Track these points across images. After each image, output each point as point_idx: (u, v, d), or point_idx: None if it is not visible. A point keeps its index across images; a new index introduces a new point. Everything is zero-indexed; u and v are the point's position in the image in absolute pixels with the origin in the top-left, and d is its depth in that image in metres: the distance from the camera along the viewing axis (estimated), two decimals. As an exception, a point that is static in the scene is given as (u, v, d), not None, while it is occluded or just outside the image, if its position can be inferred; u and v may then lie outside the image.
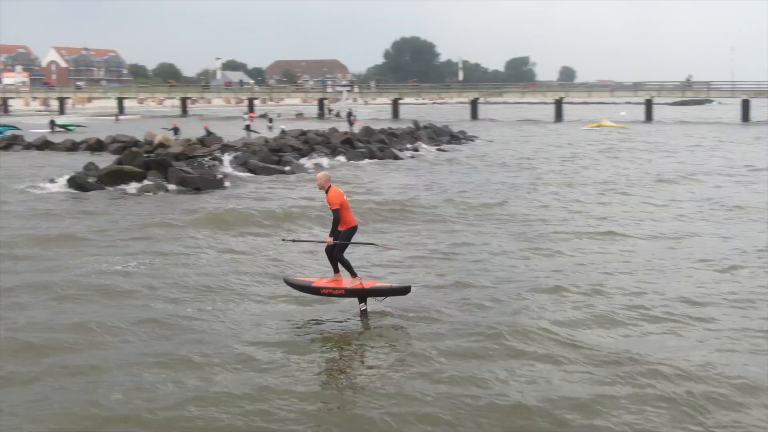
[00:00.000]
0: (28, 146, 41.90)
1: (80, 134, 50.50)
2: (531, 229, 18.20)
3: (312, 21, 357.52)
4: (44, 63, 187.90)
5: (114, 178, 25.16)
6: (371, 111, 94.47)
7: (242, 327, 10.91)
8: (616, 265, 14.50)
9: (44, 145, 41.64)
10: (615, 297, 12.37)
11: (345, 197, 11.05)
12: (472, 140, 49.38)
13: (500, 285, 13.10)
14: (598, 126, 64.54)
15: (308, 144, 34.73)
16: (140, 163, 26.28)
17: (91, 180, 25.19)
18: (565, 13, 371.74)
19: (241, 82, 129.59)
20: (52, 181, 25.79)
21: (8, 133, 49.51)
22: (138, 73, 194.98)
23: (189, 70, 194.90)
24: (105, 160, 29.53)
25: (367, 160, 34.42)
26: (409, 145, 39.96)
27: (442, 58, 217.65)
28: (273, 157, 30.76)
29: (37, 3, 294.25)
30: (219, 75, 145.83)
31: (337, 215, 10.86)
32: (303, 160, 31.39)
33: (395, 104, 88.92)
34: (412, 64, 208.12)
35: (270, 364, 9.52)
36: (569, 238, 17.12)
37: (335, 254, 11.10)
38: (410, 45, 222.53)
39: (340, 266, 11.19)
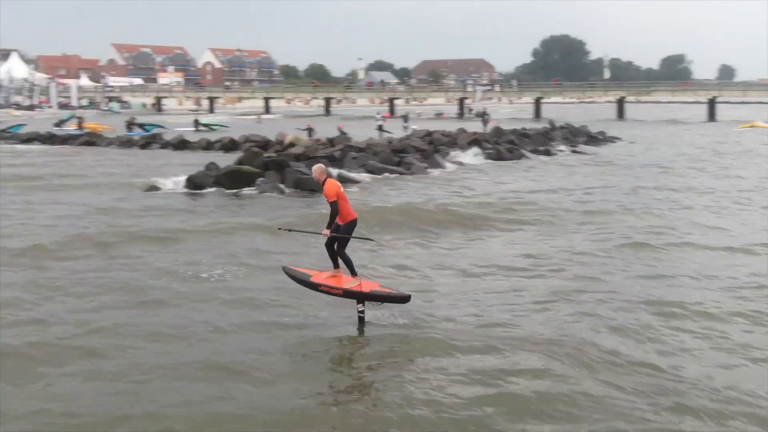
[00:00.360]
0: (166, 144, 43.04)
1: (223, 133, 51.40)
2: (654, 238, 16.69)
3: (460, 20, 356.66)
4: (200, 64, 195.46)
5: (232, 178, 25.14)
6: (512, 110, 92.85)
7: (307, 340, 10.37)
8: (742, 284, 13.01)
9: (181, 143, 42.65)
10: (733, 323, 11.00)
11: (341, 189, 10.69)
12: (613, 141, 47.15)
13: (599, 298, 12.00)
14: (750, 126, 60.71)
15: (433, 145, 33.90)
16: (260, 163, 26.23)
17: (210, 179, 25.32)
18: (727, 8, 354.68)
19: (383, 82, 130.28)
20: (172, 179, 26.13)
21: (155, 131, 51.10)
22: (289, 73, 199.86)
23: (338, 71, 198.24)
24: (232, 160, 29.64)
25: (493, 161, 33.31)
26: (541, 147, 38.47)
27: (593, 56, 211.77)
28: (394, 158, 30.13)
29: (194, 4, 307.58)
30: (362, 75, 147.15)
31: (335, 207, 10.47)
32: (424, 163, 30.55)
33: (537, 103, 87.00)
34: (560, 62, 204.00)
35: (325, 383, 8.94)
36: (692, 251, 15.57)
37: (337, 250, 10.75)
38: (559, 43, 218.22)
39: (340, 262, 10.83)
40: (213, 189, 24.73)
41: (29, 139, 47.32)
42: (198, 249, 15.78)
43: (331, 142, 34.93)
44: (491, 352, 9.72)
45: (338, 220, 10.64)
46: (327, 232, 10.60)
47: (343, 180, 25.57)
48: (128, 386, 8.82)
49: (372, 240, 11.82)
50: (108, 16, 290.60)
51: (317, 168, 10.94)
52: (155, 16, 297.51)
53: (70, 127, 53.84)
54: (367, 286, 10.66)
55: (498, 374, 9.02)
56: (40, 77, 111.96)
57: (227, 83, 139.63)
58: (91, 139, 45.98)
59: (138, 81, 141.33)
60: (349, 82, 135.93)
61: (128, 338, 10.44)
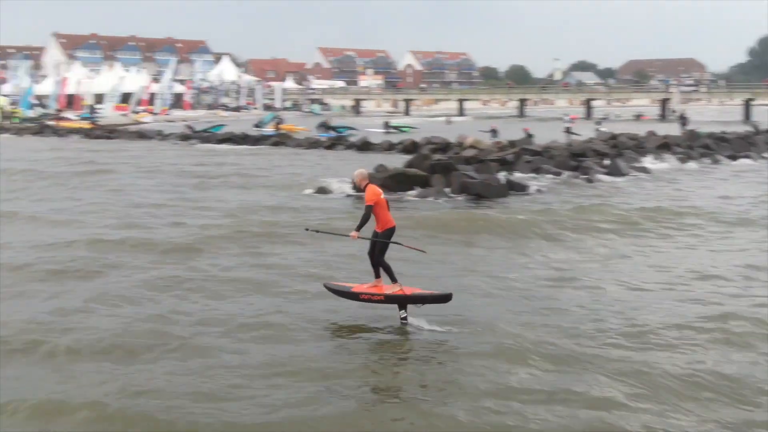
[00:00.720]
0: (350, 146, 43.55)
1: (410, 135, 51.42)
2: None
3: (669, 18, 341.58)
4: (401, 66, 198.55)
5: (398, 181, 24.75)
6: (719, 112, 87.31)
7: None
8: None
9: (364, 145, 42.95)
10: None
11: (382, 197, 10.78)
12: (825, 147, 42.85)
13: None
14: None
15: (617, 148, 32.05)
16: (427, 166, 25.74)
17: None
18: None
19: (580, 83, 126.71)
20: (341, 181, 26.13)
21: (345, 133, 51.87)
22: (489, 75, 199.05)
23: (540, 72, 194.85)
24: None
25: (683, 167, 31.04)
26: (740, 152, 35.43)
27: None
28: (571, 162, 28.72)
29: (397, 6, 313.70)
30: (558, 75, 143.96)
31: (368, 211, 10.59)
32: (604, 168, 28.85)
33: (747, 105, 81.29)
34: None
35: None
36: None
37: (376, 257, 10.79)
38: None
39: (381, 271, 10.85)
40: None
41: (224, 139, 49.29)
42: (338, 253, 15.41)
43: (512, 144, 33.98)
44: (599, 373, 8.80)
45: (377, 228, 10.76)
46: (355, 234, 10.68)
47: (511, 186, 24.67)
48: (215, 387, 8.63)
49: (400, 244, 11.23)
50: (316, 22, 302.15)
51: (358, 174, 11.18)
52: (360, 21, 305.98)
53: (269, 128, 55.80)
54: (408, 290, 10.67)
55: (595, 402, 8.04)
56: (247, 79, 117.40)
57: (423, 85, 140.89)
58: (281, 140, 47.30)
59: (340, 83, 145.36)
60: (546, 83, 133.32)
61: (237, 339, 10.38)
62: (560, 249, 16.07)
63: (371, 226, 10.91)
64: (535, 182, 25.87)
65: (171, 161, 36.69)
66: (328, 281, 11.86)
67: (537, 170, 27.54)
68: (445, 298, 10.53)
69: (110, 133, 56.84)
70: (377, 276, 10.86)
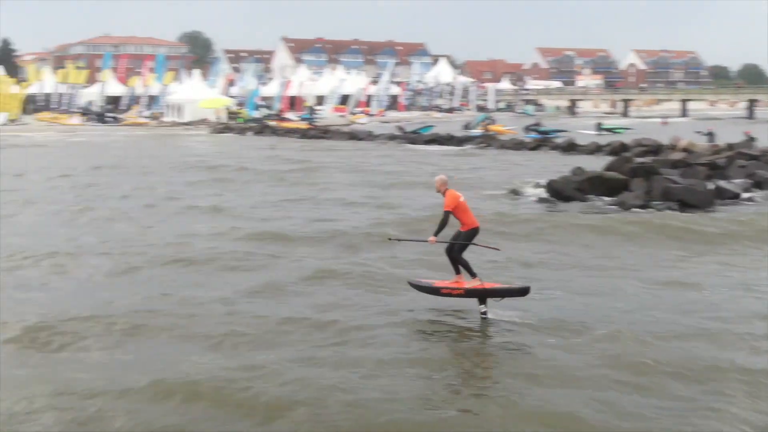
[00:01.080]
0: (555, 147, 42.57)
1: (624, 137, 49.31)
2: None
3: None
4: (623, 66, 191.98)
5: (594, 185, 23.60)
6: None
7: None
8: None
9: (569, 146, 41.80)
10: None
11: (461, 199, 11.11)
12: None
13: None
14: None
15: None
16: (628, 170, 24.43)
17: (571, 186, 23.97)
18: None
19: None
20: (537, 184, 25.38)
21: (553, 136, 50.73)
22: (719, 74, 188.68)
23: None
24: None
25: None
26: None
27: None
28: (790, 168, 26.28)
29: (620, 5, 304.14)
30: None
31: (446, 217, 10.99)
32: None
33: None
34: None
35: None
36: None
37: (454, 255, 11.16)
38: None
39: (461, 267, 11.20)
40: (574, 198, 23.21)
41: (431, 140, 49.57)
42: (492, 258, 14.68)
43: (731, 148, 31.77)
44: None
45: (461, 228, 11.14)
46: (433, 239, 11.13)
47: (719, 192, 22.84)
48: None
49: (498, 249, 12.01)
50: (534, 22, 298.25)
51: (438, 179, 11.38)
52: (580, 19, 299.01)
53: (478, 129, 55.71)
54: (488, 285, 11.01)
55: None
56: (462, 81, 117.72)
57: (643, 85, 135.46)
58: (486, 141, 46.98)
59: (556, 84, 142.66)
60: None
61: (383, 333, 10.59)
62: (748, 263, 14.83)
63: (454, 226, 11.20)
64: (745, 190, 23.87)
65: (374, 161, 37.42)
66: (412, 278, 12.25)
67: (751, 176, 25.39)
68: (522, 292, 10.93)
69: (324, 133, 58.79)
70: (457, 272, 11.24)
